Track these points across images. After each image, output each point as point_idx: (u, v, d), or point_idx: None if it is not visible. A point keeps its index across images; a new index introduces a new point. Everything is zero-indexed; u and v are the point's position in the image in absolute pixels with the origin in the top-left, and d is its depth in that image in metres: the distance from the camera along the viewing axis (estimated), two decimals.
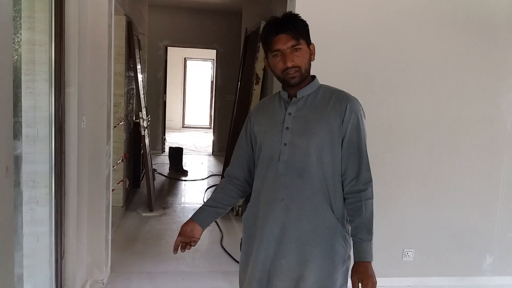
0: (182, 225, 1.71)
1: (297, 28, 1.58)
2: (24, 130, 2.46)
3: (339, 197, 1.63)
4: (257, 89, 4.85)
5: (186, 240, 1.68)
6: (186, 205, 5.31)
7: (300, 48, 1.58)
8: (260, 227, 1.65)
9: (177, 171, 6.79)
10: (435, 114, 3.21)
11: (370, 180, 1.63)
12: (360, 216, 1.59)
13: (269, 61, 1.64)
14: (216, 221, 4.56)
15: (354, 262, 1.59)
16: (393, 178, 3.22)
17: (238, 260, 3.59)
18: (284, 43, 1.56)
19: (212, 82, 11.01)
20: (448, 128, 3.24)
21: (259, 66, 4.83)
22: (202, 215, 1.73)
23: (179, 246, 1.68)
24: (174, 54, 10.87)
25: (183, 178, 6.54)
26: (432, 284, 3.32)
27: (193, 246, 1.69)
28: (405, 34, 3.12)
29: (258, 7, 5.93)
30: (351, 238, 1.64)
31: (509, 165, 3.35)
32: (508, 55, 3.24)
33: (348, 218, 1.65)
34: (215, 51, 8.63)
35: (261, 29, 4.71)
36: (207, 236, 4.22)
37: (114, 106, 4.11)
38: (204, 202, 1.76)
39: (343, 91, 1.66)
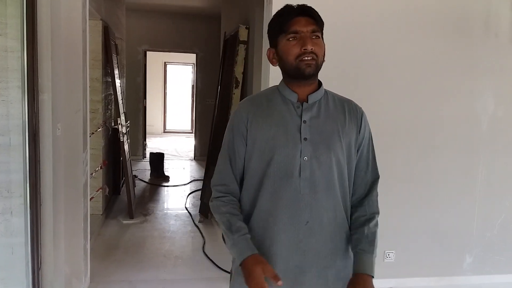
0: (252, 267, 1.31)
1: (317, 15, 1.43)
2: None
3: (349, 212, 1.51)
4: (236, 93, 4.83)
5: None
6: (168, 211, 5.25)
7: (319, 36, 1.42)
8: (274, 254, 1.41)
9: (159, 176, 6.72)
10: (413, 114, 3.23)
11: (377, 194, 1.54)
12: (363, 227, 1.46)
13: (279, 47, 1.43)
14: (198, 227, 4.52)
15: (353, 274, 1.43)
16: None
17: (221, 266, 3.62)
18: (304, 25, 1.39)
19: (192, 86, 10.96)
20: (426, 128, 3.27)
21: (238, 70, 4.82)
22: (251, 245, 1.39)
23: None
24: (154, 59, 10.79)
25: (165, 184, 6.48)
26: (413, 285, 3.34)
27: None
28: (384, 35, 3.14)
29: (237, 10, 5.92)
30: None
31: (485, 164, 3.39)
32: (483, 56, 3.28)
33: (350, 231, 1.50)
34: (195, 55, 8.60)
35: (239, 32, 4.70)
36: (190, 242, 4.18)
37: (91, 112, 4.06)
38: (240, 233, 1.39)
39: (351, 100, 1.54)
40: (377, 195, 1.53)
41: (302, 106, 1.43)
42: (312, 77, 1.42)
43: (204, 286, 3.28)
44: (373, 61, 3.15)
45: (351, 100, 1.54)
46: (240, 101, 4.86)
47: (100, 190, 4.49)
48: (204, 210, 4.86)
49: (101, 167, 4.54)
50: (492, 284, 3.45)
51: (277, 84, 1.54)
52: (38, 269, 2.65)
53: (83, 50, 2.89)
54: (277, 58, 1.46)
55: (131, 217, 4.72)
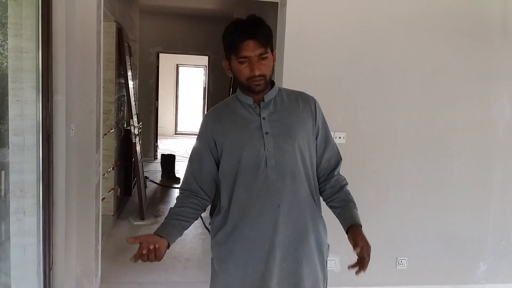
0: (145, 236, 1.46)
1: (264, 35, 1.55)
2: (11, 138, 2.41)
3: (317, 190, 1.70)
4: None
5: (148, 253, 1.43)
6: None
7: (266, 57, 1.55)
8: (255, 237, 1.57)
9: (170, 178, 6.73)
10: (427, 119, 3.19)
11: (340, 162, 1.74)
12: (342, 190, 1.69)
13: (232, 64, 1.58)
14: (208, 230, 4.51)
15: (351, 225, 1.58)
16: (385, 184, 3.20)
17: None
18: (252, 50, 1.52)
19: (204, 88, 10.98)
20: (440, 133, 3.23)
21: None
22: (167, 229, 1.55)
23: (140, 257, 1.43)
24: (166, 61, 10.84)
25: (176, 186, 6.49)
26: None
27: (157, 261, 1.46)
28: (397, 39, 3.11)
29: (249, 12, 5.90)
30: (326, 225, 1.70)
31: (501, 171, 3.34)
32: (500, 60, 3.24)
33: (329, 200, 1.71)
34: (207, 57, 8.61)
35: None
36: (200, 245, 4.17)
37: (104, 113, 4.07)
38: (168, 217, 1.61)
39: (303, 92, 1.72)
40: (339, 173, 1.74)
41: (259, 105, 1.61)
42: (263, 90, 1.60)
43: None
44: (386, 66, 3.12)
45: (303, 92, 1.72)
46: None
47: (112, 191, 4.50)
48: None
49: (113, 168, 4.55)
50: None
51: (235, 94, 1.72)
52: (50, 269, 2.65)
53: (97, 51, 2.90)
54: (231, 71, 1.61)
55: (142, 218, 4.72)
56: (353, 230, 1.55)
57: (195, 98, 12.62)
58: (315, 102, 1.69)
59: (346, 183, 1.72)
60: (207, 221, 4.79)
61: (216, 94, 8.45)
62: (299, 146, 1.58)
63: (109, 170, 4.47)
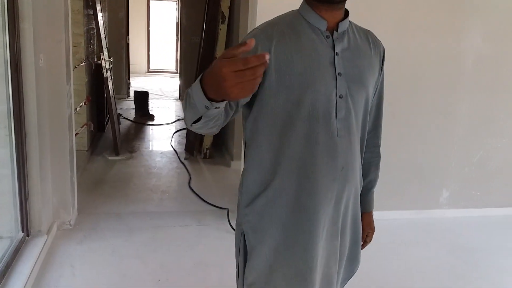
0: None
1: None
2: None
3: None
4: (223, 28, 4.73)
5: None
6: (153, 148, 5.28)
7: None
8: (313, 207, 1.25)
9: (143, 115, 6.69)
10: (398, 52, 3.23)
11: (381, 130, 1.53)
12: (377, 170, 1.52)
13: None
14: (184, 164, 4.58)
15: (364, 214, 1.50)
16: None
17: (207, 200, 3.71)
18: None
19: (177, 23, 10.66)
20: (411, 65, 3.28)
21: (224, 4, 4.69)
22: None
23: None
24: None
25: (150, 123, 6.47)
26: (391, 217, 3.48)
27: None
28: None
29: None
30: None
31: (468, 102, 3.45)
32: None
33: (363, 173, 1.45)
34: None
35: None
36: (176, 178, 4.24)
37: (73, 46, 3.94)
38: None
39: (370, 31, 1.39)
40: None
41: (332, 35, 1.24)
42: (343, 2, 1.23)
43: (190, 218, 3.37)
44: None
45: (371, 31, 1.38)
46: (226, 37, 4.81)
47: (85, 126, 4.47)
48: (190, 148, 4.90)
49: (85, 103, 4.49)
50: (466, 218, 3.61)
51: (293, 11, 1.31)
52: (26, 199, 2.68)
53: None
54: None
55: (117, 154, 4.74)
56: (367, 219, 1.51)
57: (168, 35, 12.27)
58: (384, 48, 1.39)
59: (380, 158, 1.53)
60: (182, 156, 4.84)
61: (188, 29, 8.22)
62: (367, 98, 1.31)
63: (81, 104, 4.41)
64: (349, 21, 1.29)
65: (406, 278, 2.76)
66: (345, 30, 1.26)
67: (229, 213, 3.39)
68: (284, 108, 1.21)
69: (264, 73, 1.16)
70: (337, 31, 1.24)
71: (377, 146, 1.51)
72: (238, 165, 4.24)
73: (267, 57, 0.76)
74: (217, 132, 1.17)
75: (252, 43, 0.79)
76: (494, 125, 3.55)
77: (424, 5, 3.19)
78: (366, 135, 1.39)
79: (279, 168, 1.24)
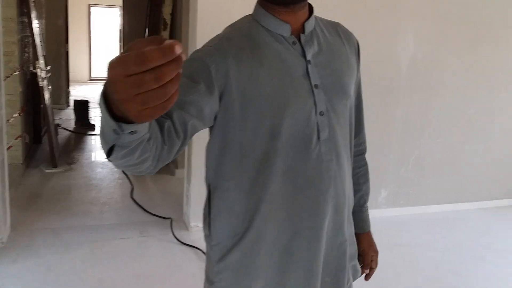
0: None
1: None
2: None
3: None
4: (165, 35, 4.68)
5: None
6: (94, 159, 5.12)
7: None
8: (296, 249, 1.05)
9: (84, 125, 6.47)
10: None
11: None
12: (367, 181, 1.30)
13: None
14: (126, 174, 4.46)
15: (363, 234, 1.27)
16: None
17: (150, 211, 3.61)
18: None
19: (120, 30, 10.43)
20: None
21: (166, 11, 4.64)
22: None
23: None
24: (77, 0, 10.09)
25: (91, 132, 6.27)
26: None
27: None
28: None
29: None
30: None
31: (403, 104, 3.58)
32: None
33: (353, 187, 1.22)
34: None
35: None
36: (117, 189, 4.12)
37: (6, 55, 3.77)
38: None
39: (338, 22, 1.18)
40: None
41: (299, 40, 1.02)
42: (303, 2, 1.02)
43: (131, 230, 3.28)
44: None
45: (339, 23, 1.17)
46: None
47: (20, 138, 4.26)
48: None
49: (19, 114, 4.28)
50: (404, 216, 3.74)
51: (240, 19, 1.08)
52: None
53: None
54: None
55: (54, 166, 4.54)
56: (367, 241, 1.28)
57: (111, 41, 11.98)
58: (357, 39, 1.17)
59: (367, 166, 1.32)
60: None
61: (131, 36, 8.05)
62: (350, 107, 1.11)
63: (15, 115, 4.20)
64: (315, 16, 1.08)
65: None
66: (312, 30, 1.05)
67: (173, 223, 3.33)
68: (254, 142, 0.98)
69: (224, 100, 0.95)
70: (303, 33, 1.02)
71: (363, 153, 1.30)
72: (183, 173, 4.18)
73: (178, 50, 0.46)
74: (153, 172, 0.85)
75: (176, 49, 0.46)
76: (429, 126, 3.70)
77: (362, 9, 3.28)
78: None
79: (254, 214, 1.02)
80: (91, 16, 11.62)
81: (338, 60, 1.07)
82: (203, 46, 1.00)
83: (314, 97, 1.00)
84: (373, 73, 3.42)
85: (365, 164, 1.31)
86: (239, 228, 1.04)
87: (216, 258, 1.07)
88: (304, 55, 1.01)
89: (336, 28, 1.13)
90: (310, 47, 1.02)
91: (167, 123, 0.83)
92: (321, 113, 1.01)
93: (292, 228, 1.03)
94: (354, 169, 1.23)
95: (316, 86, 1.01)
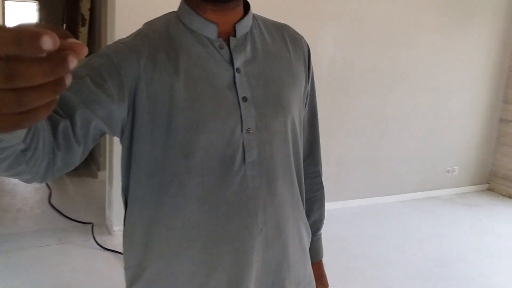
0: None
1: None
2: None
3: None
4: (83, 31, 4.48)
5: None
6: None
7: None
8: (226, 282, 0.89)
9: None
10: None
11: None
12: (322, 207, 1.15)
13: None
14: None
15: (313, 265, 1.12)
16: None
17: (69, 216, 3.45)
18: None
19: None
20: None
21: (84, 6, 4.45)
22: None
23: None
24: None
25: None
26: None
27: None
28: None
29: None
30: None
31: (324, 105, 3.69)
32: (324, 2, 3.49)
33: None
34: None
35: None
36: (34, 194, 3.90)
37: None
38: None
39: (287, 24, 1.03)
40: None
41: (228, 44, 0.87)
42: (235, 1, 0.87)
43: (50, 237, 3.11)
44: None
45: (288, 25, 1.02)
46: (87, 41, 4.55)
47: None
48: None
49: None
50: (330, 210, 3.83)
51: (166, 14, 0.92)
52: None
53: None
54: None
55: None
56: (317, 271, 1.17)
57: None
58: (308, 46, 1.02)
59: (323, 190, 1.16)
60: None
61: None
62: (292, 124, 0.94)
63: None
64: (254, 16, 0.93)
65: None
66: (247, 32, 0.90)
67: (94, 228, 3.21)
68: (164, 160, 0.84)
69: (132, 106, 0.81)
70: (235, 36, 0.87)
71: (318, 175, 1.13)
72: (106, 175, 4.04)
73: (47, 43, 0.31)
74: (45, 181, 0.72)
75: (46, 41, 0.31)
76: (349, 124, 3.85)
77: (285, 10, 3.34)
78: (302, 168, 1.01)
79: (161, 243, 0.87)
80: (5, 10, 10.89)
81: (278, 68, 0.92)
82: (114, 42, 0.86)
83: (241, 111, 0.85)
84: None
85: (321, 188, 1.14)
86: (142, 258, 0.89)
87: (127, 283, 0.94)
88: (232, 62, 0.86)
89: (282, 32, 0.98)
90: (240, 53, 0.87)
91: (63, 124, 0.68)
92: (249, 131, 0.86)
93: (210, 264, 0.87)
94: (308, 193, 1.07)
95: (244, 99, 0.86)
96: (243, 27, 0.89)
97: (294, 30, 1.01)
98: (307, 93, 1.02)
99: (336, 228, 3.59)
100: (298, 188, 0.98)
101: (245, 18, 0.89)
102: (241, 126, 0.85)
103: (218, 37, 0.86)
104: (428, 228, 3.70)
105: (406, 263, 3.12)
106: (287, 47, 0.96)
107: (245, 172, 0.87)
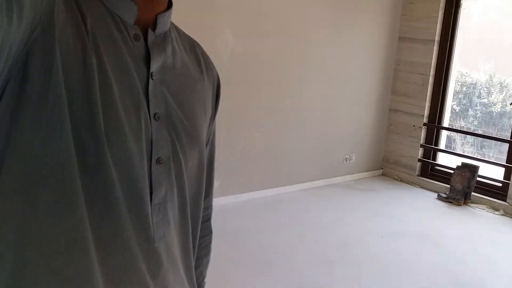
0: None
1: None
2: None
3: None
4: None
5: None
6: None
7: None
8: None
9: None
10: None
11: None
12: (209, 253, 0.96)
13: None
14: None
15: None
16: None
17: None
18: None
19: None
20: None
21: None
22: None
23: None
24: None
25: None
26: None
27: None
28: None
29: None
30: None
31: (226, 97, 3.67)
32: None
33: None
34: None
35: None
36: None
37: None
38: None
39: (198, 44, 0.83)
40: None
41: (145, 38, 0.66)
42: None
43: None
44: None
45: (198, 43, 0.83)
46: None
47: None
48: None
49: None
50: (236, 203, 3.87)
51: None
52: None
53: None
54: None
55: None
56: None
57: None
58: (218, 75, 0.85)
59: (212, 234, 0.96)
60: None
61: None
62: (201, 159, 0.76)
63: None
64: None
65: None
66: (166, 32, 0.70)
67: None
68: (49, 158, 0.55)
69: (30, 48, 0.52)
70: (154, 30, 0.67)
71: (209, 218, 0.95)
72: None
73: None
74: None
75: None
76: (251, 116, 3.88)
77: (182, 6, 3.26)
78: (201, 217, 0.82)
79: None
80: None
81: (193, 91, 0.73)
82: None
83: (152, 132, 0.63)
84: None
85: (210, 232, 0.95)
86: None
87: None
88: (147, 61, 0.65)
89: (194, 47, 0.79)
90: (159, 54, 0.67)
91: None
92: (159, 161, 0.64)
93: None
94: (199, 237, 0.87)
95: (157, 116, 0.64)
96: (165, 22, 0.69)
97: (204, 51, 0.82)
98: (212, 130, 0.86)
99: (241, 220, 3.61)
100: (192, 246, 0.78)
101: (169, 12, 0.70)
102: (150, 151, 0.63)
103: (135, 23, 0.65)
104: (329, 214, 3.85)
105: (310, 249, 3.22)
106: (201, 69, 0.77)
107: (152, 218, 0.64)
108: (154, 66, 0.66)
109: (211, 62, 0.83)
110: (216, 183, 3.74)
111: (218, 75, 0.84)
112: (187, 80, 0.73)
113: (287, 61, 3.99)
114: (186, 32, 0.81)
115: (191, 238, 0.77)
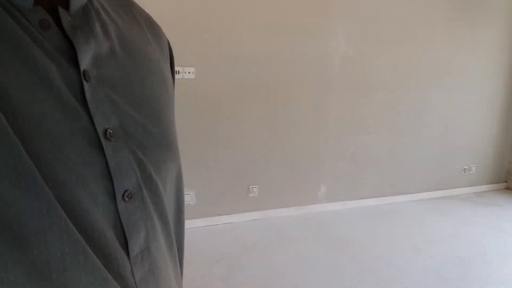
0: None
1: None
2: None
3: None
4: None
5: None
6: None
7: None
8: None
9: None
10: (268, 52, 3.27)
11: None
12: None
13: None
14: None
15: None
16: (236, 120, 3.25)
17: None
18: None
19: None
20: (281, 66, 3.34)
21: None
22: None
23: None
24: None
25: None
26: (276, 216, 3.51)
27: None
28: None
29: None
30: None
31: (337, 101, 3.62)
32: None
33: None
34: None
35: None
36: None
37: None
38: None
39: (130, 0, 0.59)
40: None
41: (57, 22, 0.42)
42: None
43: None
44: None
45: (132, 1, 0.59)
46: None
47: None
48: None
49: None
50: (342, 210, 3.78)
51: None
52: None
53: None
54: None
55: None
56: None
57: None
58: (167, 39, 0.62)
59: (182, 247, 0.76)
60: None
61: None
62: (178, 166, 0.56)
63: None
64: None
65: (291, 272, 2.78)
66: (85, 4, 0.46)
67: None
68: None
69: None
70: (67, 7, 0.43)
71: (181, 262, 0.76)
72: None
73: None
74: None
75: None
76: (361, 122, 3.77)
77: (291, 8, 3.27)
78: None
79: None
80: None
81: (147, 74, 0.52)
82: None
83: (107, 160, 0.42)
84: (308, 71, 3.44)
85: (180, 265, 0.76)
86: None
87: None
88: (73, 57, 0.42)
89: (129, 8, 0.56)
90: (86, 40, 0.44)
91: None
92: (129, 196, 0.45)
93: None
94: None
95: (108, 133, 0.43)
96: None
97: (143, 9, 0.59)
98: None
99: (351, 228, 3.51)
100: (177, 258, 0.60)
101: None
102: (112, 188, 0.43)
103: (35, 5, 0.40)
104: (446, 228, 3.60)
105: (424, 264, 3.03)
106: (146, 35, 0.56)
107: (133, 274, 0.45)
108: (85, 61, 0.43)
109: (154, 22, 0.59)
110: (323, 189, 3.69)
111: (166, 38, 0.61)
112: (136, 59, 0.50)
113: (402, 65, 3.82)
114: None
115: (179, 269, 0.60)
